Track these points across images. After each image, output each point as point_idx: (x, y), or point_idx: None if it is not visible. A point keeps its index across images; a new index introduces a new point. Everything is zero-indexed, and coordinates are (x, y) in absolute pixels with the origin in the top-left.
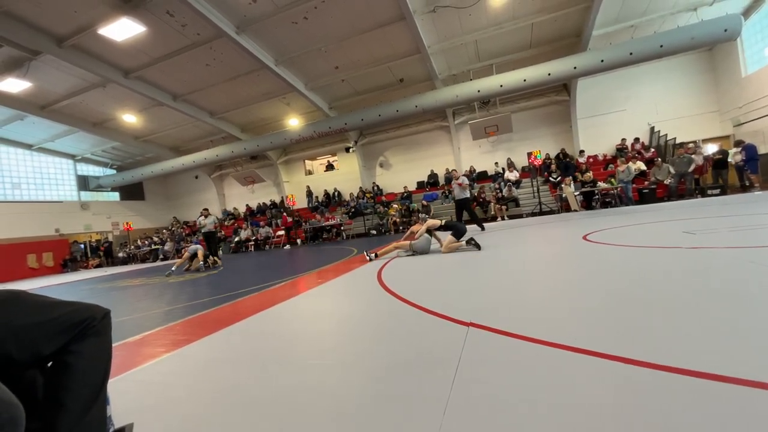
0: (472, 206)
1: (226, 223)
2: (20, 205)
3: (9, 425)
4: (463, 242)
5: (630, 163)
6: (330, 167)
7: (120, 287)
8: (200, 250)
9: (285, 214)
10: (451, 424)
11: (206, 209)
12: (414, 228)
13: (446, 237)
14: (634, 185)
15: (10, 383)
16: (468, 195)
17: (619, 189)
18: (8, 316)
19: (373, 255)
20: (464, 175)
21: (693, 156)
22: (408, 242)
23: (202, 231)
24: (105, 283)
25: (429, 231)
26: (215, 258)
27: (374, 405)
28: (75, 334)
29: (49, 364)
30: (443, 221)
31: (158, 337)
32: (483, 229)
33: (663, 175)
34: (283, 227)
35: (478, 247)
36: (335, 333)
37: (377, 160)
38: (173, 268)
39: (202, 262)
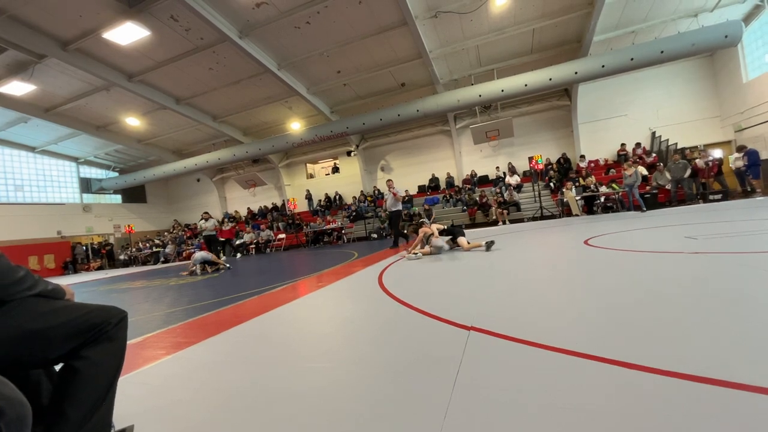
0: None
1: (224, 226)
2: (23, 207)
3: (16, 423)
4: (482, 243)
5: (636, 168)
6: (336, 170)
7: (121, 289)
8: (205, 257)
9: (221, 227)
10: (451, 426)
11: (207, 213)
12: (426, 230)
13: (459, 240)
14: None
15: (16, 384)
16: (401, 207)
17: (621, 193)
18: (21, 319)
19: (413, 255)
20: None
21: (698, 160)
22: (428, 248)
23: (204, 234)
24: (106, 285)
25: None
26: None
27: (375, 408)
28: (87, 338)
29: (59, 367)
30: (445, 226)
31: (159, 339)
32: (397, 245)
33: (664, 181)
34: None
35: (489, 246)
36: (336, 336)
37: (379, 163)
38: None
39: (221, 264)
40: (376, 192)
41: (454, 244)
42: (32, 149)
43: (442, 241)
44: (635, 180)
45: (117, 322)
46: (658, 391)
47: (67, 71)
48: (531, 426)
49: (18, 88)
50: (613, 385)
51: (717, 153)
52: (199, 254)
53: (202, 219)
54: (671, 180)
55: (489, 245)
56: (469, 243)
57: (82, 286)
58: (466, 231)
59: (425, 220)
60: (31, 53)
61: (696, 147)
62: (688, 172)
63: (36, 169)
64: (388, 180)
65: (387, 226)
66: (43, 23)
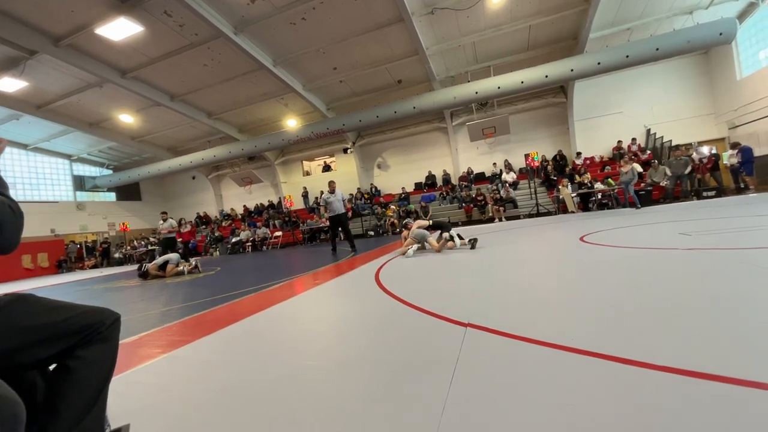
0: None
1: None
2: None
3: (9, 422)
4: (455, 241)
5: (633, 165)
6: (327, 168)
7: (116, 288)
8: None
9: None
10: (449, 423)
11: (165, 212)
12: (405, 234)
13: (443, 235)
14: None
15: (10, 383)
16: (344, 210)
17: (617, 191)
18: (16, 318)
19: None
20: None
21: (694, 155)
22: (410, 240)
23: (162, 236)
24: (101, 284)
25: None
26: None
27: (372, 405)
28: (81, 338)
29: (52, 367)
30: (431, 221)
31: (154, 338)
32: (354, 250)
33: (659, 177)
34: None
35: (473, 246)
36: (332, 334)
37: (375, 161)
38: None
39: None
40: (373, 189)
41: (441, 238)
42: (24, 146)
43: (422, 231)
44: (632, 177)
45: (111, 323)
46: (656, 387)
47: (59, 67)
48: (528, 423)
49: (9, 84)
50: (610, 381)
51: (705, 150)
52: (174, 255)
53: (161, 220)
54: (671, 176)
55: (472, 242)
56: (456, 239)
57: (76, 285)
58: (461, 229)
59: (409, 219)
60: (22, 49)
61: (690, 144)
62: (689, 168)
63: (28, 166)
64: (331, 181)
65: (331, 233)
66: (34, 18)
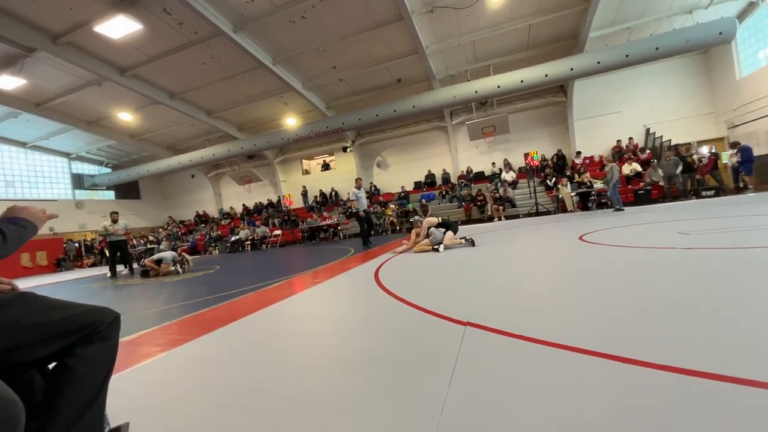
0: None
1: (222, 222)
2: (14, 203)
3: (7, 422)
4: (462, 240)
5: (613, 164)
6: (326, 167)
7: (115, 286)
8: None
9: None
10: (448, 423)
11: (116, 212)
12: (418, 231)
13: (446, 235)
14: (630, 186)
15: (9, 382)
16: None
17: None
18: (16, 316)
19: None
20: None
21: (694, 156)
22: (426, 242)
23: (109, 239)
24: (100, 282)
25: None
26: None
27: (371, 404)
28: (81, 337)
29: (52, 365)
30: (440, 219)
31: (154, 336)
32: (369, 244)
33: (658, 177)
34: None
35: (472, 243)
36: (332, 332)
37: (374, 160)
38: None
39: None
40: (373, 188)
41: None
42: (23, 144)
43: (440, 234)
44: (611, 177)
45: (111, 321)
46: (657, 386)
47: (58, 65)
48: (528, 422)
49: (7, 82)
50: (610, 380)
51: (704, 150)
52: (169, 254)
53: (110, 220)
54: (663, 176)
55: (470, 242)
56: (451, 239)
57: (75, 284)
58: (460, 228)
59: (418, 218)
60: (21, 47)
61: (690, 143)
62: (679, 168)
63: (27, 164)
64: (358, 178)
65: (366, 227)
66: (33, 16)
